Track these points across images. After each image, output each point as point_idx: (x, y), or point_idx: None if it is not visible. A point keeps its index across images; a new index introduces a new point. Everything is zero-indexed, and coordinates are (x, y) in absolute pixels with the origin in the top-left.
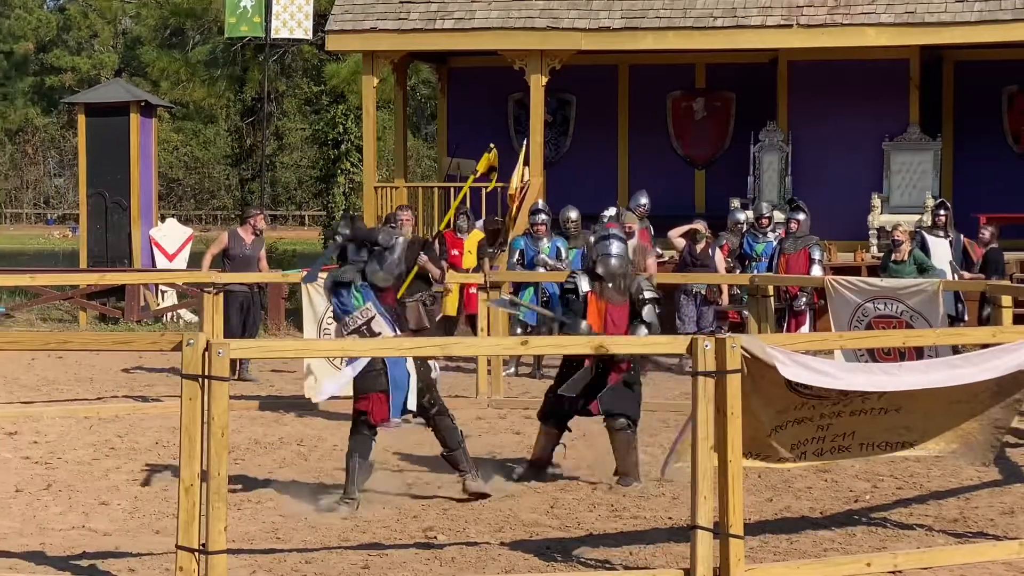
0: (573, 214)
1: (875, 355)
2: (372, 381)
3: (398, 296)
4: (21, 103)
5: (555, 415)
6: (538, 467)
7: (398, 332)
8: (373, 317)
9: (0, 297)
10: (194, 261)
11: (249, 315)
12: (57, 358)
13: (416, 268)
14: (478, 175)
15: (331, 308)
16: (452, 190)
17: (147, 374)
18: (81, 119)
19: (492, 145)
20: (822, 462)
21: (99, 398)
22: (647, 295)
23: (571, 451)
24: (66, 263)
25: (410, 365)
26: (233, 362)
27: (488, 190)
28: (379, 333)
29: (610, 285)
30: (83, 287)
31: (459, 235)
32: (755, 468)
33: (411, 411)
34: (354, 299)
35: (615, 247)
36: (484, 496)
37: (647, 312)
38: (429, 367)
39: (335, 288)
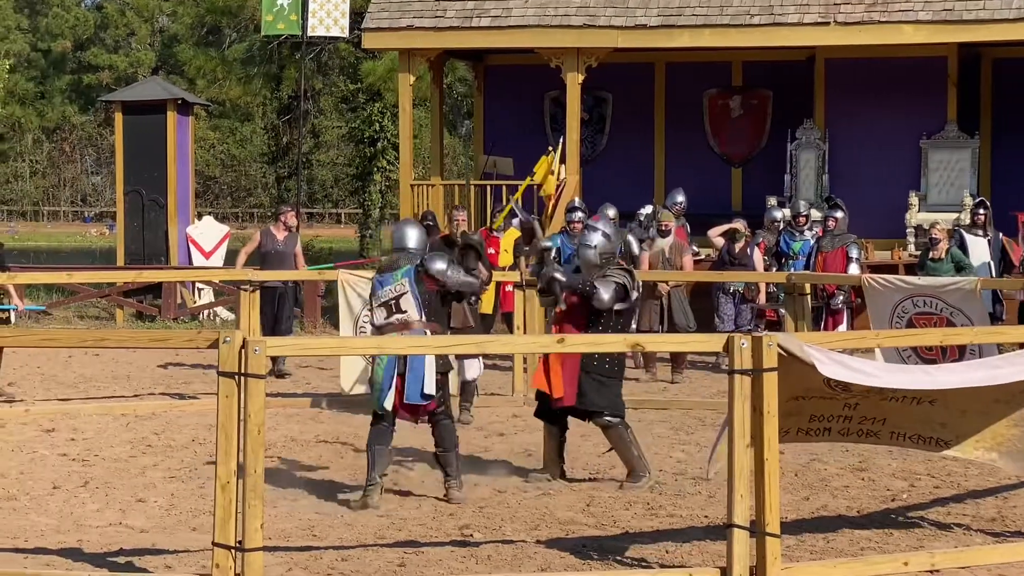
0: (611, 212)
1: (919, 352)
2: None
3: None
4: (59, 101)
5: (543, 413)
6: (554, 465)
7: (423, 315)
8: (404, 293)
9: (38, 295)
10: (230, 259)
11: (282, 309)
12: (94, 355)
13: None
14: (535, 177)
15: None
16: (488, 188)
17: (184, 371)
18: (118, 117)
19: (551, 148)
20: (848, 443)
21: (136, 395)
22: (612, 277)
23: (606, 448)
24: (103, 261)
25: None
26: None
27: (549, 196)
28: (405, 311)
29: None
30: (120, 285)
31: (495, 233)
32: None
33: (431, 396)
34: (393, 277)
35: (594, 238)
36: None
37: (600, 282)
38: (449, 363)
39: (380, 272)
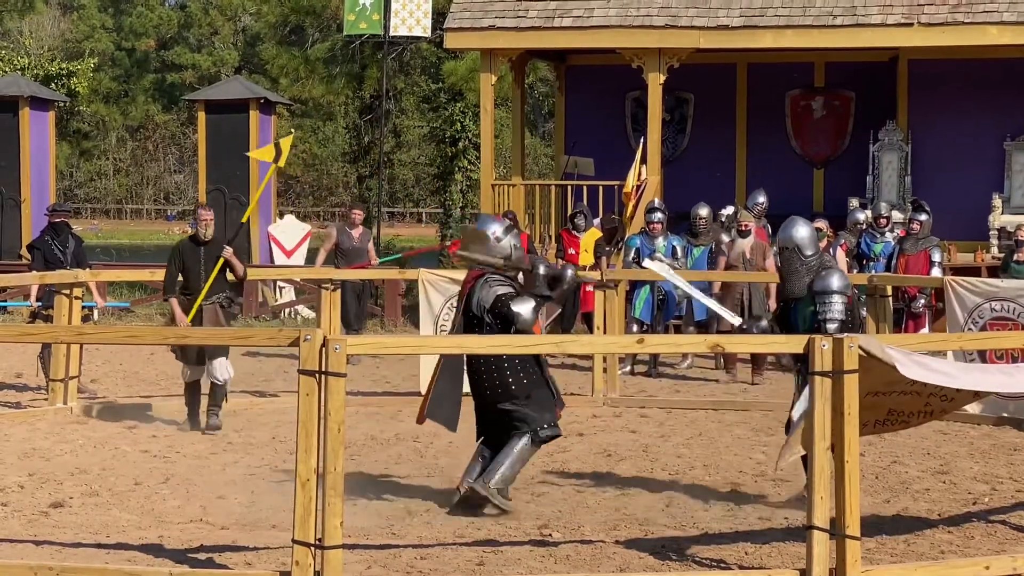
0: (703, 211)
1: (986, 358)
2: None
3: (201, 298)
4: (142, 100)
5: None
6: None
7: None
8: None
9: (121, 292)
10: (312, 257)
11: (361, 306)
12: None
13: (220, 263)
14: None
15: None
16: (569, 188)
17: (265, 369)
18: (201, 116)
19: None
20: (923, 423)
21: None
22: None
23: (686, 450)
24: None
25: None
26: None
27: (628, 196)
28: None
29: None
30: None
31: (575, 233)
32: None
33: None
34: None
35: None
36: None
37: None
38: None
39: None
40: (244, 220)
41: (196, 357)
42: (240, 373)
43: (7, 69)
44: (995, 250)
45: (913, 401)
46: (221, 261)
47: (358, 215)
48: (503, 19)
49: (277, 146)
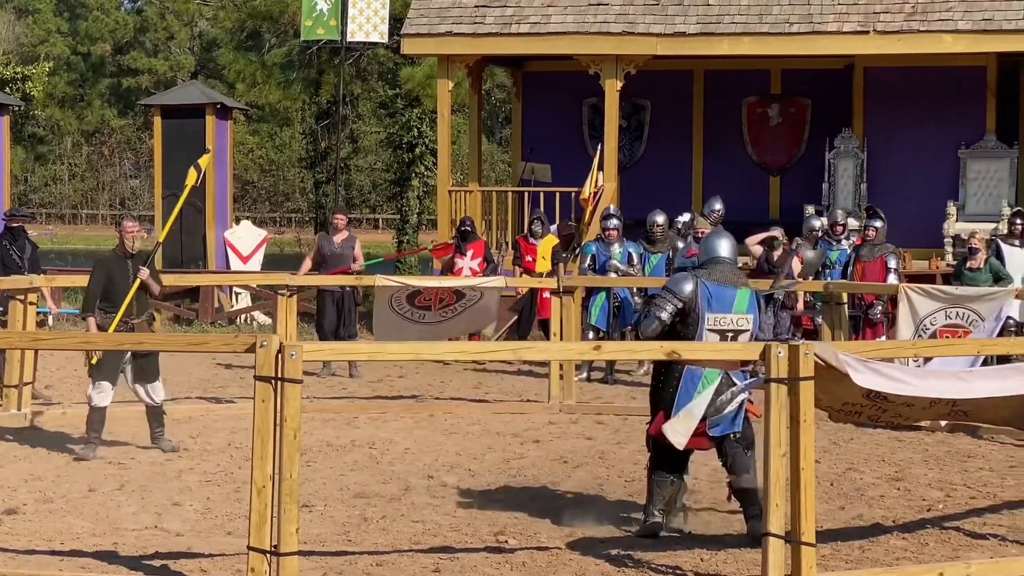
0: (660, 218)
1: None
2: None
3: (121, 315)
4: (98, 105)
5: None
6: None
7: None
8: (745, 331)
9: (76, 298)
10: (268, 263)
11: (345, 313)
12: None
13: (138, 283)
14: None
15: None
16: (526, 194)
17: (220, 375)
18: (157, 121)
19: (208, 149)
20: (879, 425)
21: (172, 399)
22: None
23: (642, 456)
24: None
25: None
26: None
27: (586, 202)
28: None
29: None
30: None
31: (532, 240)
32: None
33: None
34: (735, 301)
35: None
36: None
37: None
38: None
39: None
40: (160, 240)
41: (118, 377)
42: (195, 379)
43: None
44: (950, 258)
45: (864, 402)
46: (138, 282)
47: (340, 220)
48: (460, 25)
49: (197, 166)
